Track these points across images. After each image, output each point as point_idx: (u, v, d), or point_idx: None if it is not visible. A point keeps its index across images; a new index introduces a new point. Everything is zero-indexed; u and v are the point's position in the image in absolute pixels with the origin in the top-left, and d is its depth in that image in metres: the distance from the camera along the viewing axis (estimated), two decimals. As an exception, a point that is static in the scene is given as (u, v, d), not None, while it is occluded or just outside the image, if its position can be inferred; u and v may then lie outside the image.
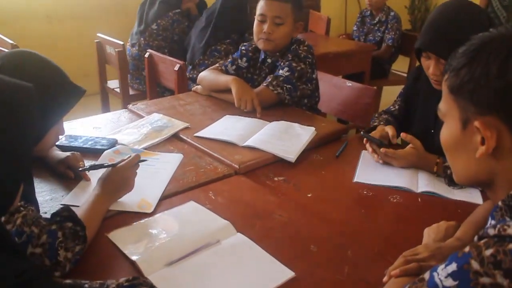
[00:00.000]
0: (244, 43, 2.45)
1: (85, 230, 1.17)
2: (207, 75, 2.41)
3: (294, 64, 2.21)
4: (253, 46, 2.41)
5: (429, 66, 1.67)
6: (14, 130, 0.84)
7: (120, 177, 1.39)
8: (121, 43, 3.37)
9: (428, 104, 1.82)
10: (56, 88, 1.27)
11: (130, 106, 2.24)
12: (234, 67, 2.42)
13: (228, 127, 1.96)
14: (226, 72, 2.41)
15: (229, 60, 2.45)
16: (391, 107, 2.04)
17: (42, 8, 4.67)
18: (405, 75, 4.58)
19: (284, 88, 2.19)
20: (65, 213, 1.18)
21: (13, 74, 0.95)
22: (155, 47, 3.67)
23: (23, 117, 0.85)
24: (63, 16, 4.80)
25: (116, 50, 3.35)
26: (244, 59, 2.41)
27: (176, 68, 2.95)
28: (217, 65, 2.48)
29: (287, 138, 1.84)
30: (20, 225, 1.08)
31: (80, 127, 1.98)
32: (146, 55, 3.28)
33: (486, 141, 0.83)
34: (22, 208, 1.11)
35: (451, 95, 0.88)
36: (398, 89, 4.55)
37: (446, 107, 0.92)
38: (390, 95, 4.41)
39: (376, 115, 2.01)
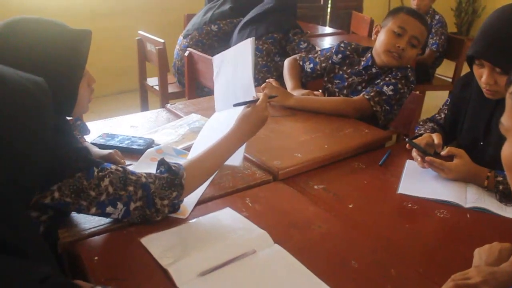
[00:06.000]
0: (344, 41, 2.42)
1: (181, 178, 1.27)
2: (285, 67, 2.49)
3: (399, 86, 2.14)
4: (353, 46, 2.38)
5: (482, 74, 1.58)
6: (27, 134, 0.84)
7: (259, 116, 1.43)
8: (162, 41, 3.36)
9: (478, 114, 1.72)
10: (62, 44, 1.18)
11: (168, 106, 2.22)
12: (311, 65, 2.43)
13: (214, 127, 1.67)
14: (302, 68, 2.46)
15: (310, 56, 2.46)
16: (437, 115, 1.95)
17: (86, 4, 4.73)
18: (450, 80, 4.43)
19: (383, 107, 2.12)
20: (162, 167, 1.29)
21: (15, 53, 1.09)
22: (207, 45, 3.63)
23: (37, 120, 0.85)
24: (106, 12, 4.86)
25: (157, 47, 3.35)
26: (340, 55, 2.37)
27: (216, 67, 2.91)
28: (297, 56, 2.51)
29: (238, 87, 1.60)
30: (113, 193, 1.18)
31: (117, 126, 1.97)
32: (186, 53, 3.26)
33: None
34: (103, 174, 1.18)
35: (518, 110, 0.80)
36: (442, 94, 4.47)
37: (510, 122, 0.84)
38: (434, 100, 4.28)
39: (421, 123, 1.92)
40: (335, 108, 2.12)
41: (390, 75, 2.17)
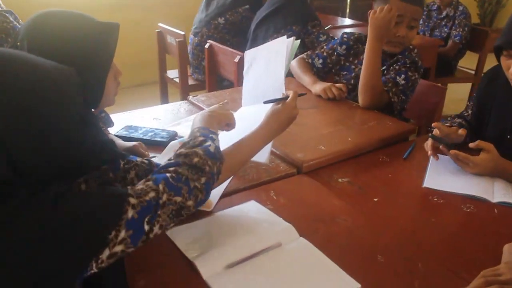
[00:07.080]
0: (346, 32, 2.42)
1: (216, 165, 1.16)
2: (294, 67, 2.44)
3: (410, 73, 2.13)
4: (356, 35, 2.37)
5: (510, 65, 1.55)
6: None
7: (289, 114, 1.39)
8: (182, 33, 3.36)
9: (505, 107, 1.69)
10: (91, 37, 1.17)
11: (190, 98, 2.22)
12: (321, 61, 2.40)
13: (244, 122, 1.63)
14: (312, 65, 2.42)
15: (316, 52, 2.44)
16: (464, 112, 1.91)
17: (105, -3, 4.77)
18: (473, 72, 4.36)
19: (400, 97, 2.11)
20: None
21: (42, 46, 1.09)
22: (218, 39, 3.61)
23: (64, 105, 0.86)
24: (126, 5, 4.87)
25: (177, 40, 3.36)
26: (344, 46, 2.37)
27: (236, 59, 2.91)
28: (304, 56, 2.48)
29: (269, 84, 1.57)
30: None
31: (140, 118, 1.98)
32: (206, 45, 3.26)
33: None
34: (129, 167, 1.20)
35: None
36: (464, 86, 4.40)
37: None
38: (456, 93, 4.23)
39: (449, 119, 1.89)
40: (377, 80, 2.08)
41: (399, 63, 2.16)
